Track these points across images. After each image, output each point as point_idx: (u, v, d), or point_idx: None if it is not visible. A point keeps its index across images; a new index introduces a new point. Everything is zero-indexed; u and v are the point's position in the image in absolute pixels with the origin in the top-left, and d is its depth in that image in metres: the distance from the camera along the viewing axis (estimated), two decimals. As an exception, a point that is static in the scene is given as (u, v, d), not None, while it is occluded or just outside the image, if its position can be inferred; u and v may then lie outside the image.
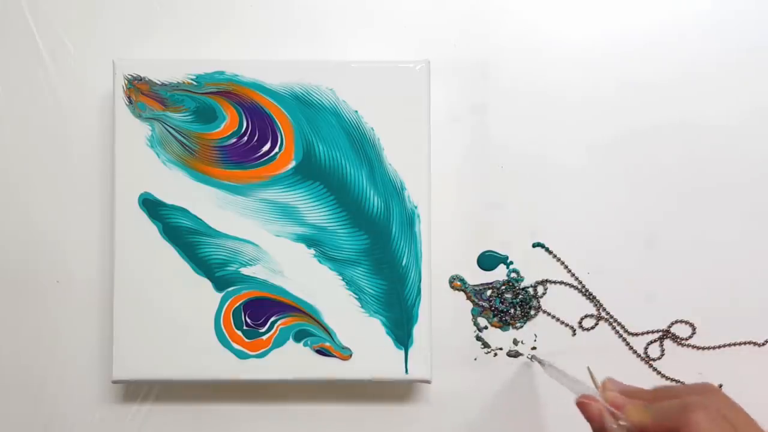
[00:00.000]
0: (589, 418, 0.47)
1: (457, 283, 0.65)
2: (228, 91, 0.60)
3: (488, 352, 0.65)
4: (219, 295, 0.60)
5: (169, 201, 0.60)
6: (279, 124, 0.60)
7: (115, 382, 0.60)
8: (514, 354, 0.65)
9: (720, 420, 0.42)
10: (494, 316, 0.65)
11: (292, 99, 0.60)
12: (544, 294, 0.65)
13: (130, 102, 0.60)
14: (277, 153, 0.60)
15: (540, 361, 0.63)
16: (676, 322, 0.65)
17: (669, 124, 0.66)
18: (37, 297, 0.64)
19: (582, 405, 0.47)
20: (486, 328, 0.65)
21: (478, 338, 0.65)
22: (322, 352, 0.60)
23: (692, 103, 0.65)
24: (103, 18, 0.66)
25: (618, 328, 0.65)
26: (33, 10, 0.65)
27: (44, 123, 0.65)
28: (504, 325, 0.65)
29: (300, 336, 0.60)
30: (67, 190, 0.65)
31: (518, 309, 0.65)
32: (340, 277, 0.60)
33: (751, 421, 0.45)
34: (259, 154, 0.60)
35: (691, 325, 0.65)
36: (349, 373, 0.60)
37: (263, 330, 0.60)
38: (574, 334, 0.65)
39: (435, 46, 0.65)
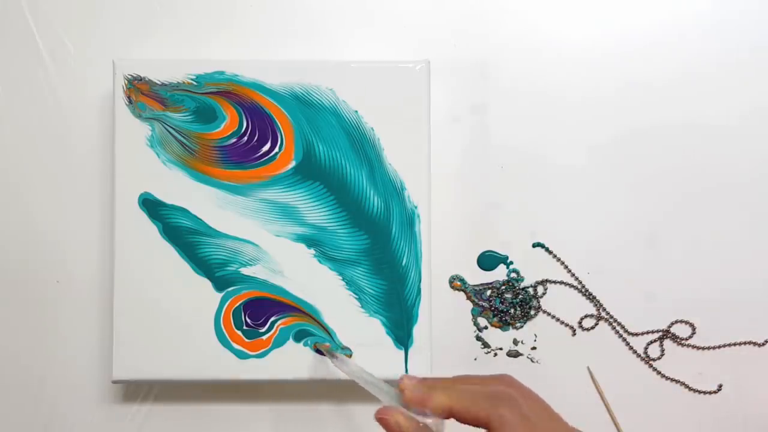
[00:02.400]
0: (389, 431, 0.45)
1: (457, 283, 0.65)
2: (228, 91, 0.60)
3: (488, 352, 0.65)
4: (219, 295, 0.60)
5: (169, 201, 0.60)
6: (279, 124, 0.60)
7: (115, 382, 0.60)
8: (514, 354, 0.65)
9: (525, 413, 0.43)
10: (494, 316, 0.65)
11: (292, 99, 0.60)
12: (544, 294, 0.65)
13: (130, 102, 0.60)
14: (277, 153, 0.60)
15: (332, 356, 0.58)
16: (676, 322, 0.65)
17: (669, 124, 0.66)
18: (37, 297, 0.64)
19: (381, 421, 0.45)
20: (486, 328, 0.65)
21: (478, 338, 0.65)
22: (322, 352, 0.60)
23: (692, 103, 0.65)
24: (103, 18, 0.66)
25: (618, 328, 0.65)
26: (33, 10, 0.65)
27: (44, 123, 0.65)
28: (504, 325, 0.65)
29: (300, 336, 0.60)
30: (67, 190, 0.65)
31: (518, 309, 0.65)
32: (340, 277, 0.60)
33: (552, 415, 0.46)
34: (259, 154, 0.60)
35: (691, 325, 0.65)
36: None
37: (263, 330, 0.60)
38: (574, 334, 0.65)
39: (435, 46, 0.65)
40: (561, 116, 0.65)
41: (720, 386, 0.65)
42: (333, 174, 0.60)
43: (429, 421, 0.44)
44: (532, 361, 0.65)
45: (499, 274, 0.65)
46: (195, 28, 0.66)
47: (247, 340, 0.60)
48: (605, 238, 0.65)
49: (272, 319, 0.60)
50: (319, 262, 0.60)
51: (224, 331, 0.60)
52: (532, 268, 0.65)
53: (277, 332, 0.60)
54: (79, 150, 0.65)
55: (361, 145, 0.60)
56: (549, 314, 0.65)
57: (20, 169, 0.65)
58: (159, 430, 0.64)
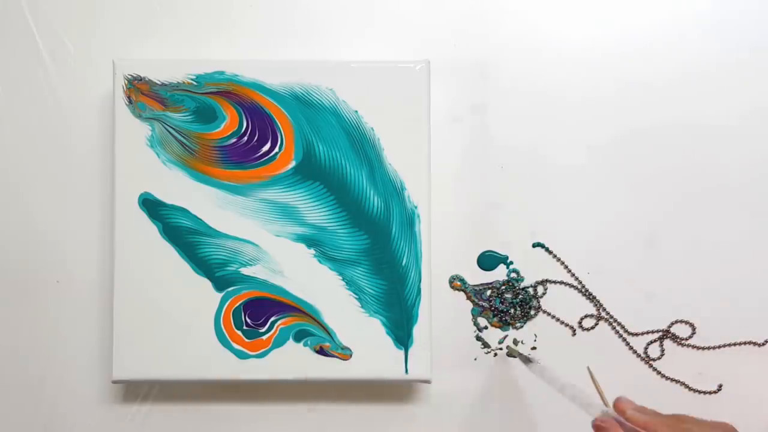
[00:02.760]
0: None
1: (457, 283, 0.65)
2: (228, 91, 0.60)
3: (488, 352, 0.65)
4: (219, 295, 0.60)
5: (169, 201, 0.60)
6: (279, 124, 0.60)
7: (115, 382, 0.60)
8: (514, 354, 0.65)
9: None
10: (494, 316, 0.65)
11: (292, 99, 0.60)
12: (544, 294, 0.65)
13: (130, 102, 0.60)
14: (277, 153, 0.60)
15: (526, 360, 0.62)
16: (676, 322, 0.65)
17: (669, 124, 0.66)
18: (37, 297, 0.64)
19: (598, 428, 0.48)
20: (486, 328, 0.65)
21: (478, 338, 0.65)
22: (322, 352, 0.60)
23: (692, 103, 0.65)
24: (103, 18, 0.66)
25: (618, 328, 0.65)
26: (33, 10, 0.65)
27: (44, 123, 0.65)
28: (504, 325, 0.65)
29: (300, 336, 0.60)
30: (67, 190, 0.65)
31: (518, 309, 0.65)
32: (340, 277, 0.60)
33: None
34: (259, 154, 0.60)
35: (691, 325, 0.65)
36: (349, 373, 0.60)
37: (263, 330, 0.60)
38: (574, 334, 0.65)
39: (435, 46, 0.65)
40: (561, 116, 0.65)
41: (720, 386, 0.65)
42: (333, 174, 0.60)
43: None
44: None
45: (499, 274, 0.65)
46: (195, 28, 0.66)
47: (247, 340, 0.60)
48: (605, 238, 0.65)
49: (272, 319, 0.60)
50: (319, 262, 0.60)
51: (224, 331, 0.60)
52: (532, 268, 0.65)
53: (277, 332, 0.60)
54: (79, 150, 0.65)
55: (361, 145, 0.60)
56: (549, 314, 0.65)
57: (20, 169, 0.65)
58: (159, 430, 0.64)
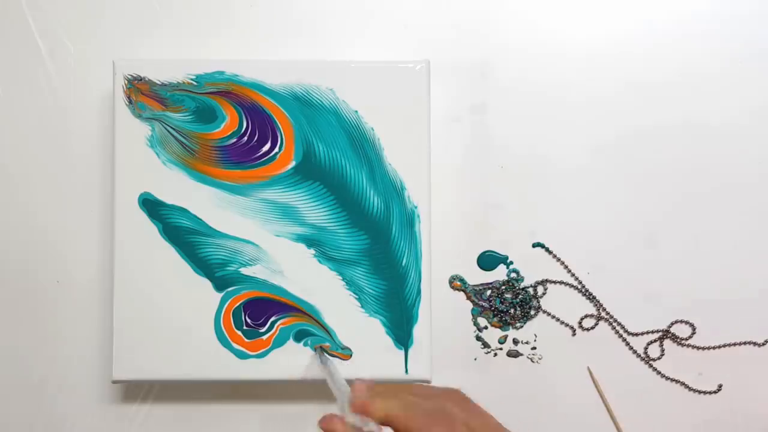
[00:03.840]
0: None
1: (457, 283, 0.65)
2: (228, 91, 0.60)
3: (488, 352, 0.65)
4: (219, 295, 0.60)
5: (169, 201, 0.60)
6: (279, 124, 0.60)
7: (115, 382, 0.60)
8: (514, 354, 0.65)
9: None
10: (494, 316, 0.65)
11: (292, 99, 0.60)
12: (544, 294, 0.65)
13: (130, 102, 0.60)
14: (277, 153, 0.60)
15: (321, 357, 0.59)
16: (676, 322, 0.65)
17: (669, 124, 0.66)
18: (37, 297, 0.64)
19: (324, 430, 0.46)
20: (486, 328, 0.65)
21: (478, 338, 0.65)
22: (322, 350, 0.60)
23: (693, 103, 0.65)
24: (103, 18, 0.66)
25: (618, 328, 0.65)
26: (33, 10, 0.65)
27: (44, 123, 0.65)
28: (504, 325, 0.65)
29: (300, 336, 0.60)
30: (67, 190, 0.65)
31: (518, 309, 0.65)
32: (340, 277, 0.60)
33: (497, 427, 0.46)
34: (259, 154, 0.60)
35: (691, 325, 0.65)
36: (349, 373, 0.60)
37: (263, 330, 0.60)
38: (574, 334, 0.65)
39: (435, 46, 0.65)
40: (561, 116, 0.65)
41: (720, 386, 0.65)
42: (333, 174, 0.60)
43: (370, 427, 0.44)
44: (532, 361, 0.65)
45: (499, 274, 0.65)
46: (195, 28, 0.66)
47: (247, 340, 0.60)
48: (605, 238, 0.65)
49: (272, 319, 0.60)
50: (319, 262, 0.60)
51: (224, 331, 0.60)
52: (532, 268, 0.65)
53: (277, 332, 0.60)
54: (79, 150, 0.65)
55: (361, 145, 0.60)
56: (549, 314, 0.65)
57: (20, 169, 0.65)
58: (159, 430, 0.64)
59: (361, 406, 0.45)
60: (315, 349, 0.60)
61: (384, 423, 0.44)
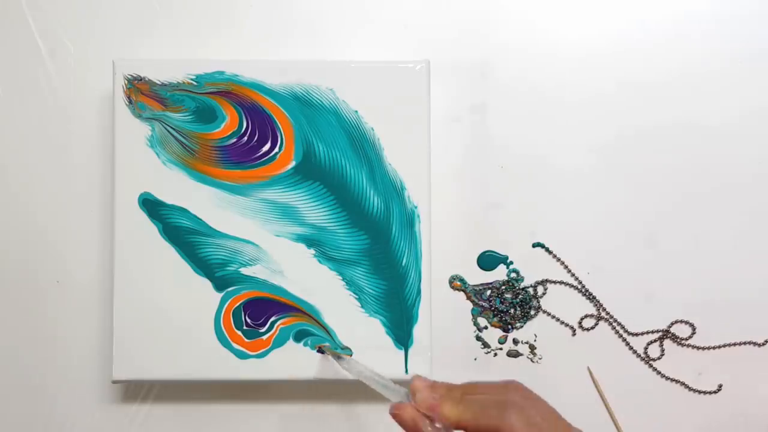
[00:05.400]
0: (404, 426, 0.46)
1: (457, 283, 0.65)
2: (228, 91, 0.60)
3: (488, 352, 0.65)
4: (219, 295, 0.60)
5: (169, 201, 0.60)
6: (279, 124, 0.60)
7: (115, 382, 0.60)
8: (514, 354, 0.65)
9: (533, 420, 0.44)
10: (494, 316, 0.65)
11: (292, 99, 0.60)
12: (544, 294, 0.65)
13: (130, 102, 0.60)
14: (277, 153, 0.60)
15: (337, 357, 0.59)
16: (676, 322, 0.65)
17: (669, 124, 0.66)
18: (37, 297, 0.64)
19: (395, 416, 0.46)
20: (486, 328, 0.65)
21: (478, 338, 0.65)
22: (322, 352, 0.60)
23: (692, 103, 0.65)
24: (103, 18, 0.66)
25: (618, 328, 0.65)
26: (33, 10, 0.65)
27: (44, 123, 0.65)
28: (504, 325, 0.65)
29: (300, 336, 0.60)
30: (67, 190, 0.65)
31: (518, 309, 0.65)
32: (340, 277, 0.60)
33: (558, 419, 0.47)
34: (259, 154, 0.60)
35: (691, 325, 0.65)
36: (349, 373, 0.60)
37: (263, 330, 0.60)
38: (574, 334, 0.65)
39: (435, 46, 0.65)
40: (561, 116, 0.65)
41: (720, 386, 0.65)
42: (333, 174, 0.60)
43: (438, 426, 0.45)
44: (532, 361, 0.65)
45: (499, 274, 0.65)
46: (195, 28, 0.66)
47: (247, 340, 0.60)
48: (605, 238, 0.65)
49: (272, 319, 0.60)
50: (319, 262, 0.60)
51: (224, 331, 0.60)
52: (532, 268, 0.65)
53: (277, 332, 0.60)
54: (79, 150, 0.65)
55: (361, 145, 0.60)
56: (549, 314, 0.65)
57: (20, 169, 0.65)
58: (159, 430, 0.64)
59: (429, 408, 0.46)
60: (321, 351, 0.60)
61: (456, 428, 0.45)
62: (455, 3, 0.66)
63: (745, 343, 0.65)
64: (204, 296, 0.60)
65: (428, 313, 0.60)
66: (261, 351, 0.60)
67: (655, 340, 0.65)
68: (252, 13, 0.66)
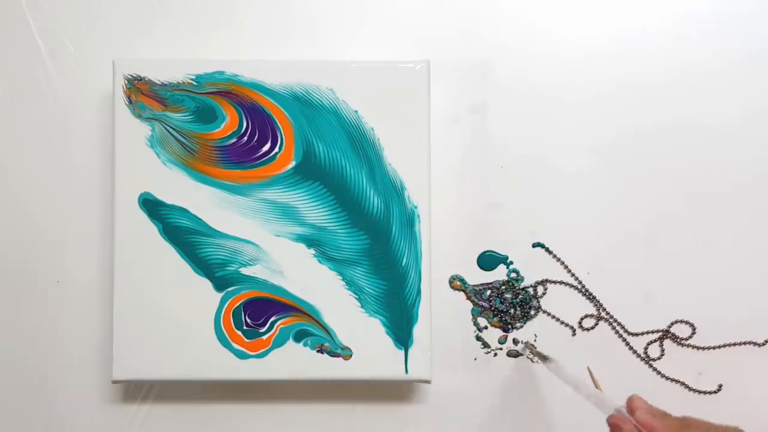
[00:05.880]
0: None
1: (457, 283, 0.65)
2: (228, 91, 0.60)
3: (488, 352, 0.65)
4: (219, 295, 0.60)
5: (169, 201, 0.60)
6: (279, 124, 0.60)
7: (115, 382, 0.60)
8: (514, 354, 0.65)
9: None
10: (494, 316, 0.65)
11: (292, 99, 0.60)
12: (544, 294, 0.65)
13: (130, 102, 0.60)
14: (277, 153, 0.60)
15: (545, 358, 0.62)
16: (676, 322, 0.65)
17: (669, 124, 0.66)
18: (37, 297, 0.64)
19: (613, 426, 0.49)
20: (486, 328, 0.65)
21: (478, 338, 0.65)
22: (322, 352, 0.60)
23: (692, 103, 0.65)
24: (103, 18, 0.66)
25: (618, 328, 0.65)
26: (33, 10, 0.65)
27: (44, 123, 0.65)
28: (504, 324, 0.65)
29: (300, 336, 0.60)
30: (67, 190, 0.65)
31: (518, 309, 0.65)
32: (340, 277, 0.60)
33: None
34: (259, 154, 0.60)
35: (691, 325, 0.65)
36: (349, 373, 0.60)
37: (263, 330, 0.60)
38: (574, 334, 0.65)
39: (435, 46, 0.65)
40: (561, 116, 0.65)
41: (720, 386, 0.65)
42: (333, 174, 0.60)
43: None
44: (532, 361, 0.65)
45: (499, 274, 0.65)
46: (195, 28, 0.66)
47: (247, 340, 0.60)
48: (605, 238, 0.65)
49: (272, 319, 0.60)
50: (319, 262, 0.60)
51: (224, 331, 0.60)
52: (532, 268, 0.65)
53: (277, 332, 0.60)
54: (79, 150, 0.65)
55: (361, 145, 0.60)
56: (549, 314, 0.65)
57: (20, 169, 0.65)
58: (159, 430, 0.64)
59: (649, 427, 0.48)
60: (525, 349, 0.63)
61: None
62: (455, 3, 0.66)
63: (745, 343, 0.65)
64: (204, 296, 0.60)
65: (428, 313, 0.60)
66: (261, 351, 0.60)
67: (655, 340, 0.65)
68: (252, 13, 0.66)
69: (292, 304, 0.60)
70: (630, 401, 0.50)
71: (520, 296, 0.65)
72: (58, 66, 0.65)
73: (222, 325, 0.60)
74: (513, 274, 0.65)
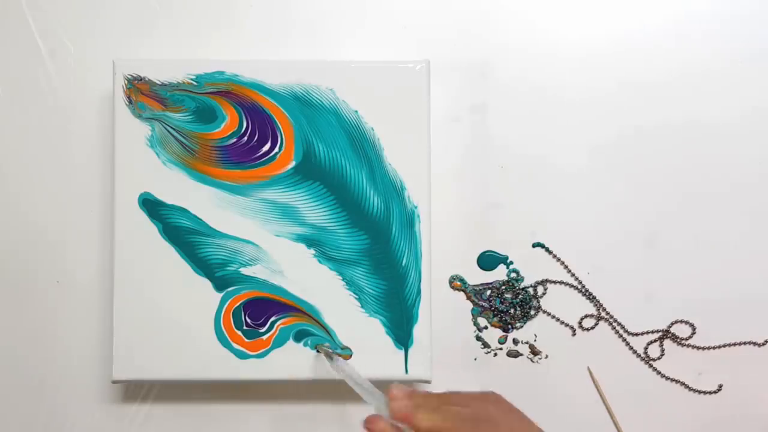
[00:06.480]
0: None
1: (457, 283, 0.65)
2: (228, 91, 0.60)
3: (488, 352, 0.65)
4: (219, 295, 0.60)
5: (169, 201, 0.60)
6: (279, 124, 0.60)
7: (115, 382, 0.60)
8: (514, 354, 0.65)
9: None
10: (494, 316, 0.65)
11: (292, 99, 0.60)
12: (544, 294, 0.65)
13: (130, 102, 0.60)
14: (277, 153, 0.60)
15: (329, 356, 0.59)
16: (676, 322, 0.65)
17: (669, 124, 0.66)
18: (37, 297, 0.64)
19: (368, 430, 0.47)
20: (486, 328, 0.65)
21: (478, 338, 0.65)
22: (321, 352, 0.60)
23: (693, 102, 0.65)
24: (103, 18, 0.66)
25: (618, 328, 0.65)
26: (33, 10, 0.65)
27: (44, 123, 0.65)
28: (504, 324, 0.65)
29: (300, 336, 0.60)
30: (67, 190, 0.65)
31: (518, 309, 0.65)
32: (340, 277, 0.60)
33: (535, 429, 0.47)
34: (259, 154, 0.60)
35: (691, 325, 0.65)
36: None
37: (263, 330, 0.60)
38: (574, 334, 0.65)
39: (435, 46, 0.65)
40: (561, 116, 0.65)
41: (720, 386, 0.65)
42: (333, 174, 0.60)
43: None
44: (532, 361, 0.65)
45: (499, 274, 0.65)
46: (195, 28, 0.66)
47: (247, 340, 0.60)
48: (605, 238, 0.65)
49: (272, 319, 0.60)
50: (319, 262, 0.60)
51: (224, 331, 0.60)
52: (532, 268, 0.65)
53: (277, 332, 0.60)
54: (79, 150, 0.65)
55: (361, 145, 0.60)
56: (549, 314, 0.65)
57: (20, 169, 0.65)
58: (159, 430, 0.64)
59: (404, 417, 0.46)
60: (317, 350, 0.60)
61: None
62: (455, 3, 0.66)
63: (745, 343, 0.65)
64: (204, 296, 0.60)
65: (428, 313, 0.60)
66: (261, 351, 0.60)
67: (655, 340, 0.65)
68: (252, 13, 0.66)
69: (292, 304, 0.60)
70: (388, 393, 0.48)
71: (520, 296, 0.65)
72: (58, 66, 0.65)
73: (222, 325, 0.60)
74: (513, 274, 0.65)
